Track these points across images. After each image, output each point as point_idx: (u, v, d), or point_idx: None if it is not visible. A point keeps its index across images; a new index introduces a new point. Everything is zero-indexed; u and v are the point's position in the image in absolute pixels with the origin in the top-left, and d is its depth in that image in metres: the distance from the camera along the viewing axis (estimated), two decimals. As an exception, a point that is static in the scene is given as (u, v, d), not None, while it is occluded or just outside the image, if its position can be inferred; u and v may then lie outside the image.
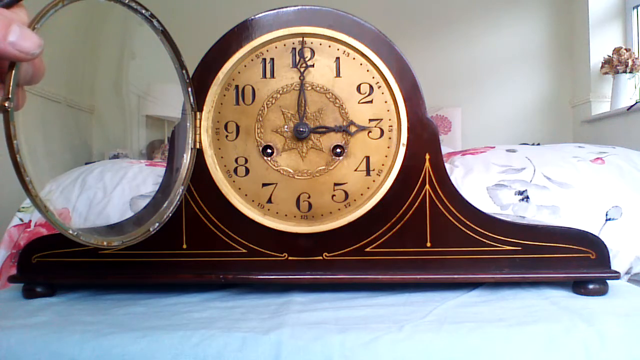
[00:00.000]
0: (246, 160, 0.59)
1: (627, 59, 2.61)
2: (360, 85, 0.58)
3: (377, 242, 0.59)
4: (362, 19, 0.58)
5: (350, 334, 0.45)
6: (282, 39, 0.58)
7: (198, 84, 0.58)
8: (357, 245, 0.59)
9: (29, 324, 0.50)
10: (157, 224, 0.51)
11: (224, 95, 0.59)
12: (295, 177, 0.59)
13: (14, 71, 0.32)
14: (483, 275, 0.58)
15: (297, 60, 0.58)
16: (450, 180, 0.59)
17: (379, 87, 0.58)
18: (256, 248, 0.59)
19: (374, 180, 0.58)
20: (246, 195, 0.59)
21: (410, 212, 0.58)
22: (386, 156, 0.58)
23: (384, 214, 0.58)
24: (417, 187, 0.58)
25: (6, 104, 0.32)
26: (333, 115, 0.58)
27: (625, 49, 2.67)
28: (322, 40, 0.58)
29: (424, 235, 0.58)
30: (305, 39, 0.58)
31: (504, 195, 0.92)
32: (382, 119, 0.58)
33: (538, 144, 1.73)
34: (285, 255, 0.59)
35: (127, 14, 0.45)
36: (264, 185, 0.59)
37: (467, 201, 0.58)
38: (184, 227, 0.59)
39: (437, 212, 0.58)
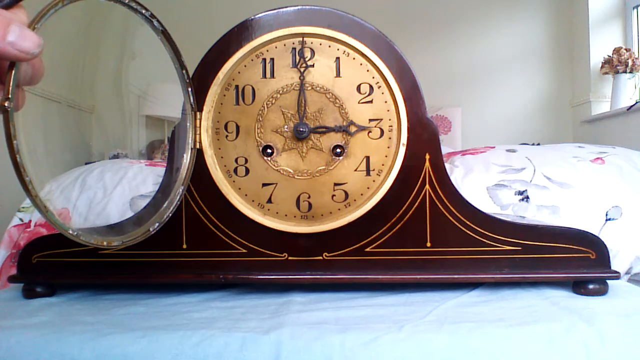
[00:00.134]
0: (246, 160, 0.59)
1: (627, 59, 2.61)
2: (360, 85, 0.58)
3: (377, 242, 0.59)
4: (362, 19, 0.58)
5: (350, 334, 0.45)
6: (282, 39, 0.58)
7: (198, 84, 0.58)
8: (357, 245, 0.59)
9: (29, 324, 0.50)
10: (157, 224, 0.51)
11: (224, 95, 0.59)
12: (295, 177, 0.59)
13: (13, 71, 0.32)
14: (483, 275, 0.58)
15: (297, 60, 0.58)
16: (450, 180, 0.59)
17: (379, 87, 0.58)
18: (256, 248, 0.59)
19: (374, 180, 0.58)
20: (246, 195, 0.59)
21: (410, 212, 0.58)
22: (386, 156, 0.58)
23: (384, 214, 0.58)
24: (417, 187, 0.58)
25: (6, 104, 0.32)
26: (333, 115, 0.58)
27: (625, 49, 2.67)
28: (322, 40, 0.58)
29: (424, 235, 0.58)
30: (305, 39, 0.58)
31: (504, 195, 0.92)
32: (382, 119, 0.58)
33: (538, 144, 1.73)
34: (285, 255, 0.59)
35: (127, 14, 0.45)
36: (264, 185, 0.59)
37: (467, 201, 0.58)
38: (184, 227, 0.59)
39: (437, 212, 0.58)
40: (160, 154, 2.86)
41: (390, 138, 0.58)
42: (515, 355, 0.44)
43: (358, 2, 2.09)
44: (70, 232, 0.39)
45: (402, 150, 0.58)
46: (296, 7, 0.58)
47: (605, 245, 0.58)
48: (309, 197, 0.59)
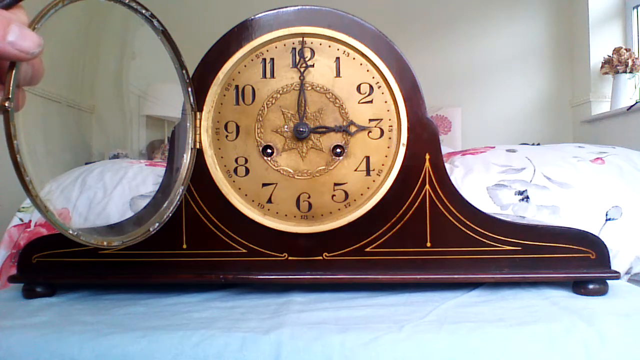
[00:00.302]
0: (246, 160, 0.59)
1: (627, 59, 2.61)
2: (360, 85, 0.58)
3: (377, 242, 0.59)
4: (362, 19, 0.58)
5: (350, 334, 0.45)
6: (282, 39, 0.58)
7: (198, 84, 0.58)
8: (357, 245, 0.59)
9: (29, 324, 0.50)
10: (157, 224, 0.51)
11: (224, 95, 0.59)
12: (295, 177, 0.59)
13: (14, 71, 0.32)
14: (483, 275, 0.58)
15: (297, 60, 0.58)
16: (450, 180, 0.59)
17: (379, 87, 0.58)
18: (256, 248, 0.59)
19: (374, 180, 0.58)
20: (246, 195, 0.59)
21: (410, 212, 0.58)
22: (386, 156, 0.58)
23: (384, 214, 0.58)
24: (417, 187, 0.58)
25: (6, 104, 0.32)
26: (333, 115, 0.58)
27: (625, 49, 2.67)
28: (322, 40, 0.58)
29: (424, 235, 0.58)
30: (305, 39, 0.58)
31: (504, 195, 0.92)
32: (382, 119, 0.58)
33: (538, 144, 1.73)
34: (285, 255, 0.59)
35: (127, 14, 0.45)
36: (264, 185, 0.59)
37: (467, 201, 0.58)
38: (184, 227, 0.59)
39: (437, 212, 0.58)
40: (160, 154, 2.86)
41: (390, 138, 0.58)
42: (515, 355, 0.44)
43: (358, 2, 2.09)
44: (70, 232, 0.39)
45: (402, 150, 0.58)
46: (296, 7, 0.58)
47: (605, 245, 0.58)
48: (309, 197, 0.59)
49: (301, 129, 0.57)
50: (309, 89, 0.58)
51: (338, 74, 0.58)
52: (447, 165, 0.79)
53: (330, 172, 0.58)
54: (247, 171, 0.59)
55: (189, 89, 0.56)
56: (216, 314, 0.53)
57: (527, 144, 1.73)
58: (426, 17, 3.26)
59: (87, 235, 0.42)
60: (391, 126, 0.58)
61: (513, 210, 0.90)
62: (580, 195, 0.91)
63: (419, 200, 0.58)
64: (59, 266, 0.60)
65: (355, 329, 0.47)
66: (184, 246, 0.59)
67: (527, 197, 0.91)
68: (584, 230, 0.59)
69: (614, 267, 0.59)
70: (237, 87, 0.58)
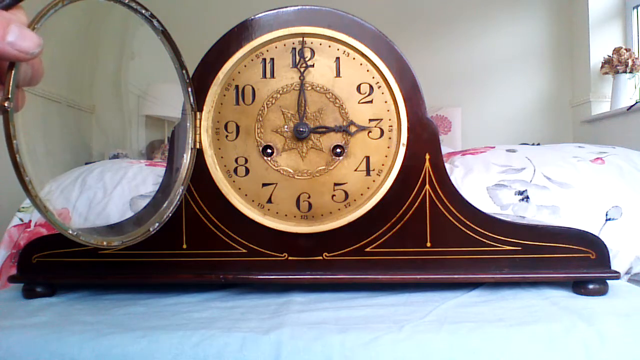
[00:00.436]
0: (246, 160, 0.59)
1: (627, 59, 2.61)
2: (360, 85, 0.58)
3: (377, 242, 0.59)
4: (362, 19, 0.58)
5: (350, 334, 0.45)
6: (282, 39, 0.58)
7: (198, 84, 0.58)
8: (357, 245, 0.59)
9: (29, 324, 0.50)
10: (157, 224, 0.51)
11: (224, 95, 0.59)
12: (295, 177, 0.59)
13: (13, 71, 0.32)
14: (483, 275, 0.58)
15: (297, 60, 0.58)
16: (450, 180, 0.59)
17: (379, 87, 0.58)
18: (256, 248, 0.59)
19: (374, 180, 0.58)
20: (246, 195, 0.59)
21: (410, 212, 0.58)
22: (386, 156, 0.58)
23: (384, 214, 0.58)
24: (417, 187, 0.58)
25: (6, 104, 0.32)
26: (333, 115, 0.58)
27: (625, 49, 2.67)
28: (322, 40, 0.58)
29: (424, 235, 0.58)
30: (305, 39, 0.58)
31: (504, 195, 0.92)
32: (382, 119, 0.58)
33: (538, 144, 1.73)
34: (285, 255, 0.59)
35: (126, 14, 0.45)
36: (264, 185, 0.59)
37: (467, 201, 0.58)
38: (184, 227, 0.59)
39: (437, 212, 0.58)
40: (160, 154, 2.86)
41: (390, 138, 0.58)
42: (515, 355, 0.44)
43: (358, 2, 2.09)
44: (70, 232, 0.39)
45: (402, 150, 0.58)
46: (296, 7, 0.58)
47: (605, 245, 0.58)
48: (309, 197, 0.59)
49: (301, 129, 0.57)
50: (309, 89, 0.58)
51: (338, 74, 0.58)
52: (447, 165, 0.79)
53: (330, 172, 0.58)
54: (247, 171, 0.59)
55: (189, 89, 0.56)
56: (216, 314, 0.53)
57: (527, 144, 1.73)
58: (426, 17, 3.26)
59: (86, 235, 0.42)
60: (391, 126, 0.58)
61: (513, 210, 0.90)
62: (580, 195, 0.91)
63: (419, 200, 0.58)
64: (59, 266, 0.60)
65: (355, 329, 0.47)
66: (184, 246, 0.59)
67: (527, 197, 0.91)
68: (584, 230, 0.59)
69: (614, 267, 0.59)
70: (237, 87, 0.58)
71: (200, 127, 0.58)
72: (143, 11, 0.47)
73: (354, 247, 0.59)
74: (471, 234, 0.58)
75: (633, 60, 2.61)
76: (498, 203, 0.91)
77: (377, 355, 0.44)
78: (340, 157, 0.58)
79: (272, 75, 0.58)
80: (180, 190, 0.55)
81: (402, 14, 3.21)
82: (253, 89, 0.58)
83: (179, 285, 0.64)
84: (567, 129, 3.20)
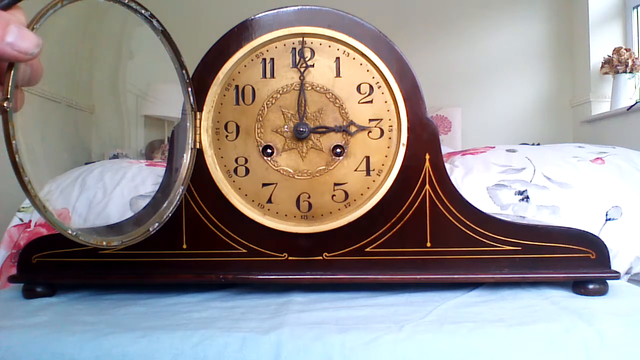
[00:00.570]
0: (246, 160, 0.59)
1: (627, 59, 2.61)
2: (360, 85, 0.58)
3: (377, 242, 0.58)
4: (362, 19, 0.58)
5: (350, 334, 0.45)
6: (282, 39, 0.58)
7: (198, 84, 0.58)
8: (357, 245, 0.59)
9: (29, 324, 0.50)
10: (156, 224, 0.51)
11: (224, 95, 0.59)
12: (295, 177, 0.59)
13: (12, 71, 0.32)
14: (483, 275, 0.58)
15: (297, 60, 0.58)
16: (450, 180, 0.59)
17: (379, 87, 0.58)
18: (256, 248, 0.59)
19: (374, 180, 0.58)
20: (246, 195, 0.59)
21: (410, 212, 0.58)
22: (386, 156, 0.58)
23: (384, 214, 0.58)
24: (417, 187, 0.58)
25: (5, 104, 0.32)
26: (333, 115, 0.58)
27: (625, 49, 2.66)
28: (322, 40, 0.58)
29: (424, 235, 0.58)
30: (305, 39, 0.58)
31: (504, 195, 0.92)
32: (382, 119, 0.58)
33: (538, 144, 1.73)
34: (285, 255, 0.59)
35: (126, 14, 0.45)
36: (264, 185, 0.59)
37: (467, 201, 0.58)
38: (184, 227, 0.59)
39: (437, 212, 0.58)
40: (160, 154, 2.86)
41: (390, 138, 0.58)
42: (515, 355, 0.44)
43: (358, 2, 2.09)
44: (69, 232, 0.39)
45: (402, 150, 0.58)
46: (296, 7, 0.58)
47: (605, 245, 0.58)
48: (309, 197, 0.59)
49: (301, 129, 0.57)
50: (309, 89, 0.58)
51: (338, 74, 0.58)
52: (447, 165, 0.79)
53: (330, 172, 0.58)
54: (247, 171, 0.59)
55: (189, 89, 0.56)
56: (216, 314, 0.53)
57: (527, 144, 1.73)
58: (426, 17, 3.26)
59: (86, 235, 0.42)
60: (391, 126, 0.58)
61: (513, 210, 0.90)
62: (580, 195, 0.91)
63: (419, 200, 0.58)
64: (59, 266, 0.60)
65: (355, 329, 0.47)
66: (184, 246, 0.59)
67: (527, 197, 0.91)
68: (583, 230, 0.59)
69: (614, 267, 0.59)
70: (237, 87, 0.58)
71: (200, 127, 0.58)
72: (143, 11, 0.47)
73: (354, 247, 0.59)
74: (471, 234, 0.58)
75: (633, 60, 2.60)
76: (498, 203, 0.91)
77: (377, 355, 0.44)
78: (340, 157, 0.58)
79: (272, 75, 0.58)
80: (180, 190, 0.55)
81: (402, 14, 3.21)
82: (253, 89, 0.58)
83: (179, 285, 0.64)
84: (567, 129, 3.20)
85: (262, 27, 0.58)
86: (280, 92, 0.58)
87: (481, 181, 0.96)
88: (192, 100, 0.57)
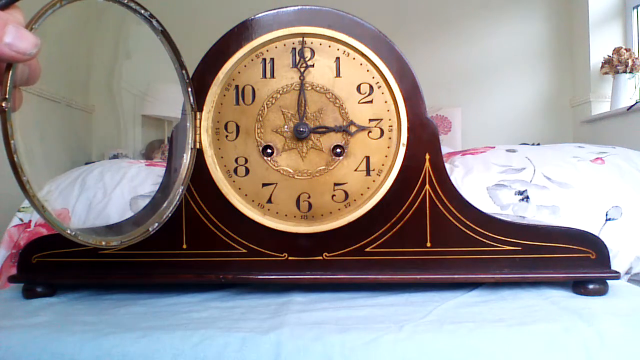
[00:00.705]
0: (246, 160, 0.59)
1: (627, 59, 2.61)
2: (360, 85, 0.58)
3: (377, 242, 0.58)
4: (362, 19, 0.58)
5: (350, 334, 0.45)
6: (282, 39, 0.58)
7: (198, 84, 0.58)
8: (357, 245, 0.59)
9: (29, 324, 0.50)
10: (156, 224, 0.51)
11: (224, 95, 0.59)
12: (295, 177, 0.59)
13: (11, 71, 0.32)
14: (483, 275, 0.58)
15: (297, 60, 0.58)
16: (450, 180, 0.59)
17: (379, 87, 0.58)
18: (256, 248, 0.59)
19: (374, 180, 0.58)
20: (246, 195, 0.59)
21: (410, 212, 0.58)
22: (386, 156, 0.58)
23: (384, 214, 0.58)
24: (417, 187, 0.58)
25: (3, 104, 0.32)
26: (333, 115, 0.58)
27: (625, 49, 2.66)
28: (322, 40, 0.58)
29: (424, 235, 0.58)
30: (305, 39, 0.58)
31: (504, 195, 0.92)
32: (382, 119, 0.58)
33: (538, 144, 1.73)
34: (285, 255, 0.59)
35: (124, 13, 0.45)
36: (264, 185, 0.59)
37: (467, 201, 0.58)
38: (184, 227, 0.59)
39: (437, 212, 0.58)
40: (160, 154, 2.86)
41: (390, 138, 0.58)
42: (515, 355, 0.44)
43: (358, 2, 2.09)
44: (68, 231, 0.39)
45: (402, 150, 0.58)
46: (296, 7, 0.58)
47: (605, 245, 0.58)
48: (309, 197, 0.59)
49: (301, 129, 0.57)
50: (309, 89, 0.58)
51: (338, 74, 0.58)
52: (447, 165, 0.79)
53: (330, 172, 0.58)
54: (247, 171, 0.59)
55: (189, 89, 0.56)
56: (216, 314, 0.53)
57: (527, 144, 1.73)
58: (426, 17, 3.26)
59: (85, 235, 0.42)
60: (391, 126, 0.58)
61: (513, 210, 0.90)
62: (580, 195, 0.91)
63: (419, 200, 0.58)
64: (59, 266, 0.60)
65: (355, 329, 0.47)
66: (184, 246, 0.59)
67: (527, 197, 0.91)
68: (584, 230, 0.58)
69: (614, 267, 0.59)
70: (237, 87, 0.58)
71: (200, 127, 0.58)
72: (142, 11, 0.47)
73: (354, 247, 0.59)
74: (471, 234, 0.58)
75: (633, 60, 2.60)
76: (498, 203, 0.91)
77: (377, 355, 0.44)
78: (340, 157, 0.58)
79: (272, 75, 0.58)
80: (180, 190, 0.55)
81: (402, 14, 3.21)
82: (253, 89, 0.58)
83: (179, 285, 0.64)
84: (567, 129, 3.20)
85: (262, 27, 0.58)
86: (280, 92, 0.58)
87: (481, 181, 0.96)
88: (192, 100, 0.57)
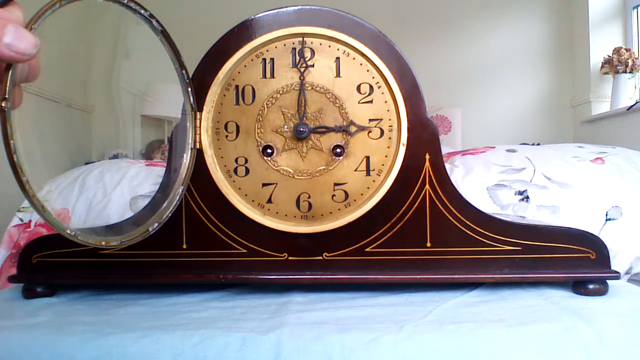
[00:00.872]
0: (246, 160, 0.59)
1: (627, 59, 2.61)
2: (360, 85, 0.58)
3: (377, 242, 0.58)
4: (362, 19, 0.58)
5: (350, 334, 0.45)
6: (282, 39, 0.58)
7: (198, 84, 0.58)
8: (357, 245, 0.59)
9: (29, 324, 0.50)
10: (156, 224, 0.51)
11: (224, 95, 0.59)
12: (295, 177, 0.59)
13: (10, 71, 0.32)
14: (483, 275, 0.58)
15: (297, 60, 0.58)
16: (450, 180, 0.59)
17: (379, 87, 0.58)
18: (256, 248, 0.59)
19: (374, 180, 0.58)
20: (246, 195, 0.59)
21: (410, 212, 0.58)
22: (386, 156, 0.58)
23: (384, 214, 0.58)
24: (417, 187, 0.58)
25: (3, 104, 0.32)
26: (333, 115, 0.58)
27: (625, 49, 2.66)
28: (322, 40, 0.58)
29: (424, 235, 0.58)
30: (305, 39, 0.58)
31: (504, 195, 0.92)
32: (382, 119, 0.58)
33: (538, 144, 1.73)
34: (285, 255, 0.59)
35: (124, 13, 0.45)
36: (264, 185, 0.59)
37: (467, 201, 0.58)
38: (184, 227, 0.59)
39: (437, 212, 0.58)
40: (160, 154, 2.86)
41: (390, 138, 0.58)
42: (515, 355, 0.44)
43: (358, 2, 2.09)
44: (68, 231, 0.39)
45: (402, 150, 0.58)
46: (296, 7, 0.58)
47: (605, 245, 0.58)
48: (309, 197, 0.59)
49: (301, 129, 0.57)
50: (309, 89, 0.58)
51: (338, 74, 0.58)
52: (447, 165, 0.79)
53: (330, 172, 0.58)
54: (247, 171, 0.59)
55: (189, 89, 0.56)
56: (216, 314, 0.53)
57: (527, 144, 1.73)
58: (426, 17, 3.26)
59: (84, 235, 0.42)
60: (391, 126, 0.58)
61: (513, 210, 0.90)
62: (580, 195, 0.91)
63: (419, 200, 0.58)
64: (59, 266, 0.60)
65: (355, 329, 0.47)
66: (184, 246, 0.59)
67: (527, 197, 0.91)
68: (584, 230, 0.58)
69: (614, 267, 0.59)
70: (237, 87, 0.58)
71: (200, 127, 0.58)
72: (142, 11, 0.47)
73: (354, 247, 0.59)
74: (471, 234, 0.58)
75: (633, 60, 2.60)
76: (498, 203, 0.91)
77: (377, 355, 0.44)
78: (340, 157, 0.58)
79: (272, 75, 0.58)
80: (180, 190, 0.55)
81: (402, 14, 3.21)
82: (253, 89, 0.58)
83: (179, 285, 0.64)
84: (567, 129, 3.19)
85: (262, 27, 0.58)
86: (280, 92, 0.58)
87: (481, 181, 0.96)
88: (192, 100, 0.57)
